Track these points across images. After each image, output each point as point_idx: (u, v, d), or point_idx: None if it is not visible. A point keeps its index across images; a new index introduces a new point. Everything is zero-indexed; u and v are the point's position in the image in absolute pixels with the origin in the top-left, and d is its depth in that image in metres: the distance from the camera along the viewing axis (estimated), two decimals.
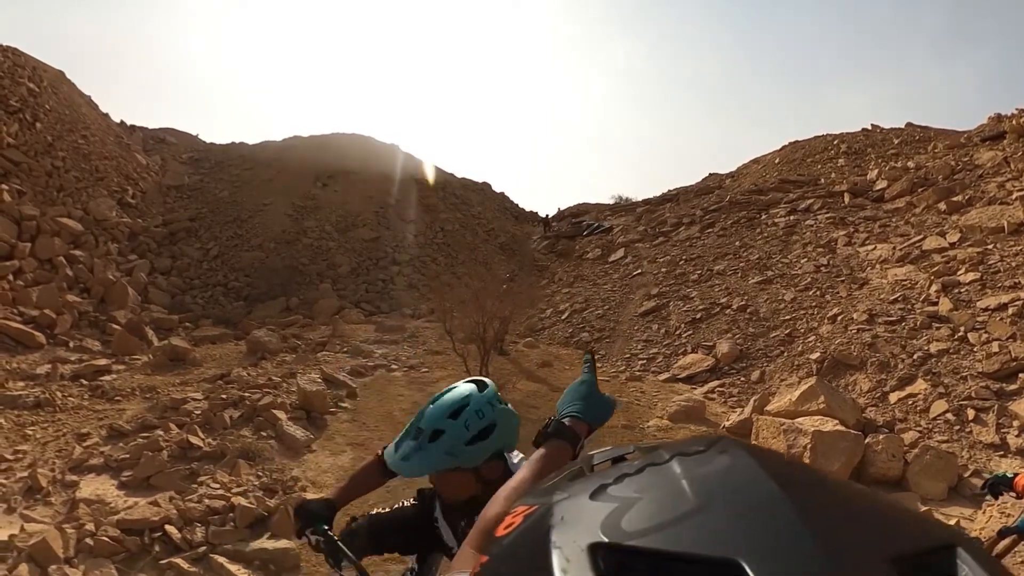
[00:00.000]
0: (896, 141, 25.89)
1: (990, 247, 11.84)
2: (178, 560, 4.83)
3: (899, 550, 0.57)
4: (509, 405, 1.91)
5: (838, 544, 0.55)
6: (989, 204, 13.85)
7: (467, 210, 27.97)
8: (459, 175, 31.99)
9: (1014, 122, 19.44)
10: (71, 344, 12.39)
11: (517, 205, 33.38)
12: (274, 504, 5.73)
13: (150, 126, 27.51)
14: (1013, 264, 10.93)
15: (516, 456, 1.96)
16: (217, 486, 5.98)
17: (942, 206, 15.04)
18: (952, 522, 5.76)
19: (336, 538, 2.03)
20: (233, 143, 28.38)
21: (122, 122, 25.36)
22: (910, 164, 20.03)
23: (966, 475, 7.10)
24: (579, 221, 28.57)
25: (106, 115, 23.81)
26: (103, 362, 10.90)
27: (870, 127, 29.35)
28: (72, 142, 18.92)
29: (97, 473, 6.47)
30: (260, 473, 6.64)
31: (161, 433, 7.27)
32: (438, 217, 25.76)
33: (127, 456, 6.63)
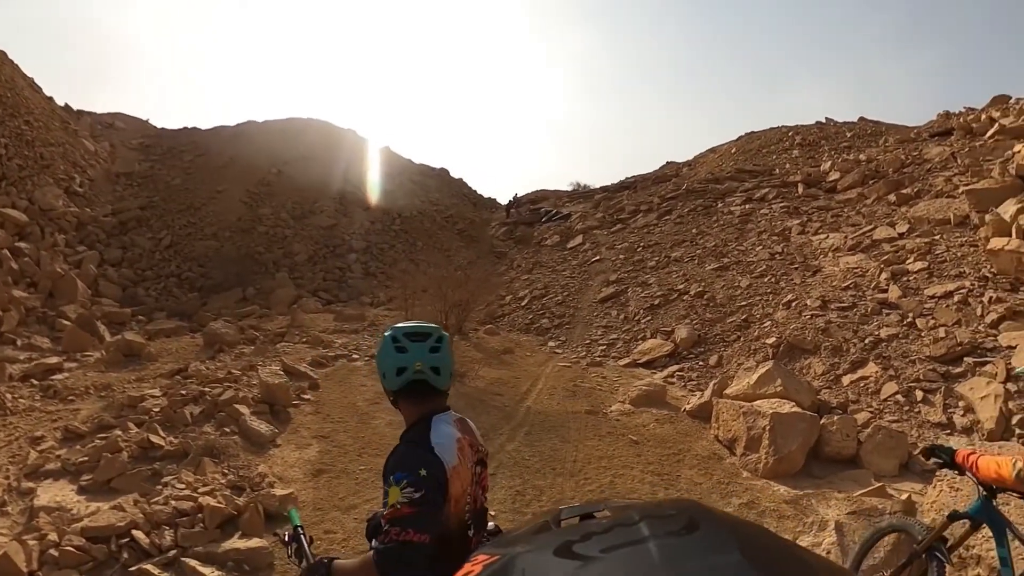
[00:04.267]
0: (849, 134, 26.54)
1: (937, 238, 12.29)
2: (148, 566, 4.73)
3: None
4: (392, 345, 2.21)
5: None
6: (936, 197, 14.34)
7: (425, 196, 27.82)
8: (417, 161, 31.82)
9: (961, 120, 20.36)
10: (19, 342, 11.87)
11: (475, 191, 33.33)
12: (243, 502, 5.65)
13: (97, 110, 26.63)
14: (958, 254, 11.37)
15: (450, 416, 2.23)
16: (183, 486, 5.87)
17: (892, 198, 15.52)
18: (903, 497, 5.99)
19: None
20: (185, 128, 27.62)
21: (67, 106, 24.46)
22: (862, 157, 20.58)
23: (916, 452, 7.41)
24: (537, 208, 28.65)
25: (50, 99, 22.90)
26: (54, 360, 10.50)
27: (824, 120, 30.00)
28: (15, 127, 18.14)
29: (55, 478, 6.27)
30: (226, 471, 6.53)
31: (119, 433, 7.07)
32: (396, 204, 25.56)
33: (85, 459, 6.44)
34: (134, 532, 5.04)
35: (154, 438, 6.92)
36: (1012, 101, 20.93)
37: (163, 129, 27.35)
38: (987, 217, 11.48)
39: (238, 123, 27.87)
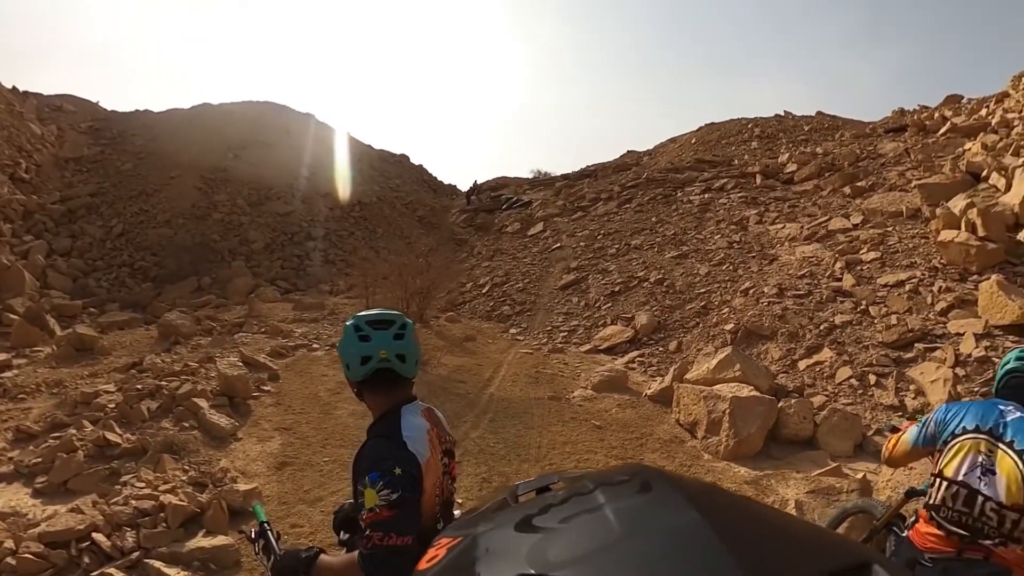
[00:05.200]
0: (806, 128, 27.05)
1: (890, 229, 12.67)
2: (111, 570, 4.57)
3: (819, 570, 0.61)
4: (355, 334, 2.18)
5: (762, 568, 0.59)
6: (890, 190, 14.83)
7: (385, 183, 27.60)
8: (377, 146, 31.54)
9: (915, 117, 21.34)
10: None
11: (436, 178, 33.19)
12: (206, 499, 5.52)
13: (45, 92, 25.69)
14: (910, 245, 11.75)
15: (418, 406, 2.23)
16: (143, 485, 5.68)
17: (847, 190, 15.98)
18: (859, 476, 6.18)
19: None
20: (137, 111, 26.80)
21: (13, 88, 23.56)
22: (819, 150, 21.12)
23: (870, 434, 7.70)
24: (498, 195, 28.64)
25: None
26: (2, 357, 9.99)
27: (783, 113, 30.52)
28: None
29: (8, 482, 6.01)
30: (187, 467, 6.36)
31: (74, 432, 6.77)
32: (355, 190, 25.27)
33: (39, 460, 6.17)
34: (94, 535, 4.85)
35: (110, 436, 6.67)
36: (964, 101, 21.90)
37: (113, 112, 26.44)
38: (938, 211, 11.93)
39: (192, 106, 27.22)
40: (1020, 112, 15.60)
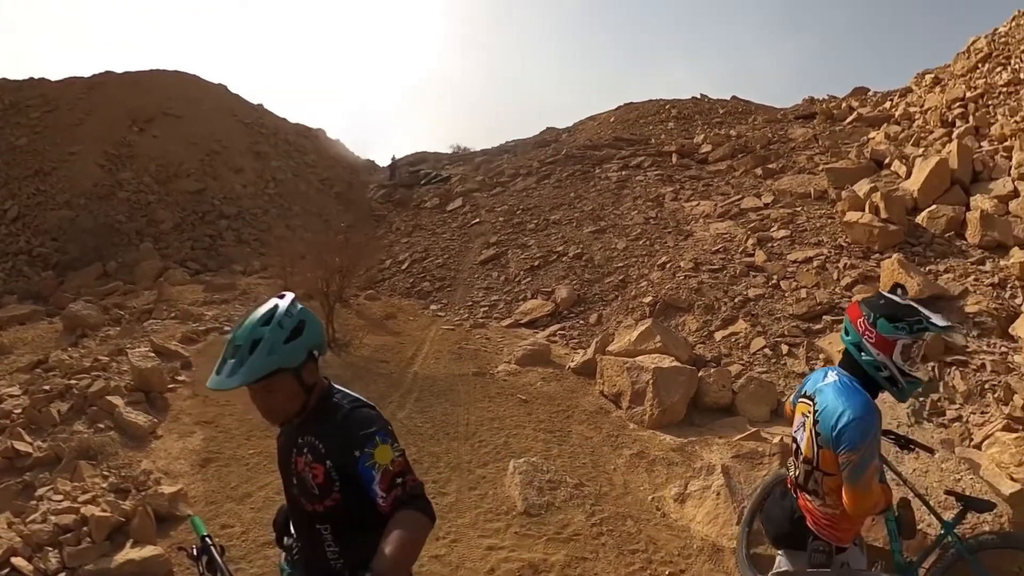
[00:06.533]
0: (721, 111, 27.65)
1: (799, 209, 13.32)
2: None
3: None
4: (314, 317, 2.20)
5: None
6: (799, 173, 15.57)
7: (300, 158, 26.74)
8: (292, 120, 30.47)
9: (824, 106, 22.74)
10: None
11: (353, 153, 32.48)
12: (130, 506, 5.24)
13: None
14: (817, 225, 12.38)
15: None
16: (60, 497, 5.33)
17: (758, 171, 16.66)
18: (775, 440, 6.45)
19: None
20: (31, 79, 24.54)
21: None
22: (732, 132, 21.81)
23: (784, 400, 8.06)
24: (416, 170, 28.29)
25: None
26: None
27: (699, 96, 31.07)
28: None
29: None
30: (106, 472, 6.01)
31: None
32: (269, 165, 24.39)
33: None
34: (14, 560, 4.54)
35: (19, 445, 6.20)
36: (870, 93, 23.44)
37: (4, 80, 24.27)
38: (843, 193, 12.68)
39: (93, 74, 25.24)
40: (921, 106, 16.68)
